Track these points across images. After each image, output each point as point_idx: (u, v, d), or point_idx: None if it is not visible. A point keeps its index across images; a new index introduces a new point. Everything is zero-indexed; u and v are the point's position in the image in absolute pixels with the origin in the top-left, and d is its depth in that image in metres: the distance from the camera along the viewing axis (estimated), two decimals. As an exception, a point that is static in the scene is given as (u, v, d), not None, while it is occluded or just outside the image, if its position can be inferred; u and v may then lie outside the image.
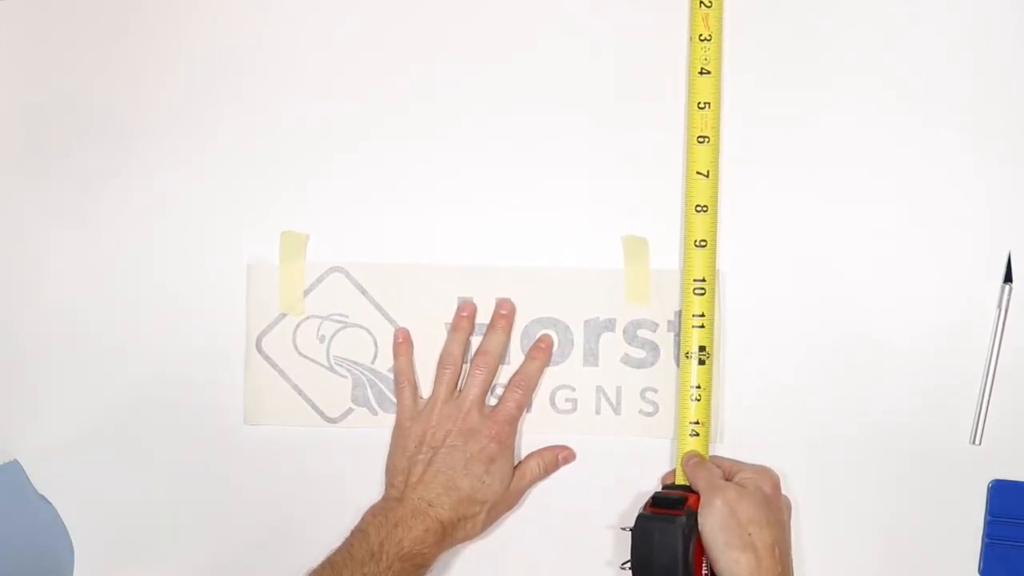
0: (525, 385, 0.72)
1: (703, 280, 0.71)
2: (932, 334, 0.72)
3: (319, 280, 0.75)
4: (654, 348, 0.74)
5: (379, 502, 0.70)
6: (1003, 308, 0.71)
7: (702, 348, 0.71)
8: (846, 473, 0.73)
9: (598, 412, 0.74)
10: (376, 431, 0.74)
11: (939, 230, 0.72)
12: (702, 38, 0.71)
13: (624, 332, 0.74)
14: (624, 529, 0.68)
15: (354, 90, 0.75)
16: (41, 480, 0.75)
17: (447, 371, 0.72)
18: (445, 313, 0.74)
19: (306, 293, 0.75)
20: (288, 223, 0.75)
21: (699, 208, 0.71)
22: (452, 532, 0.69)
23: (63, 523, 0.75)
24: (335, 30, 0.75)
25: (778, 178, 0.73)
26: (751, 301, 0.73)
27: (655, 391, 0.73)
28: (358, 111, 0.75)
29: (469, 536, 0.71)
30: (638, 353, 0.74)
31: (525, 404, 0.73)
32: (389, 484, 0.71)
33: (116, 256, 0.75)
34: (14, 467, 0.75)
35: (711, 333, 0.71)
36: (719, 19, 0.71)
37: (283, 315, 0.75)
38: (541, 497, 0.74)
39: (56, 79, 0.76)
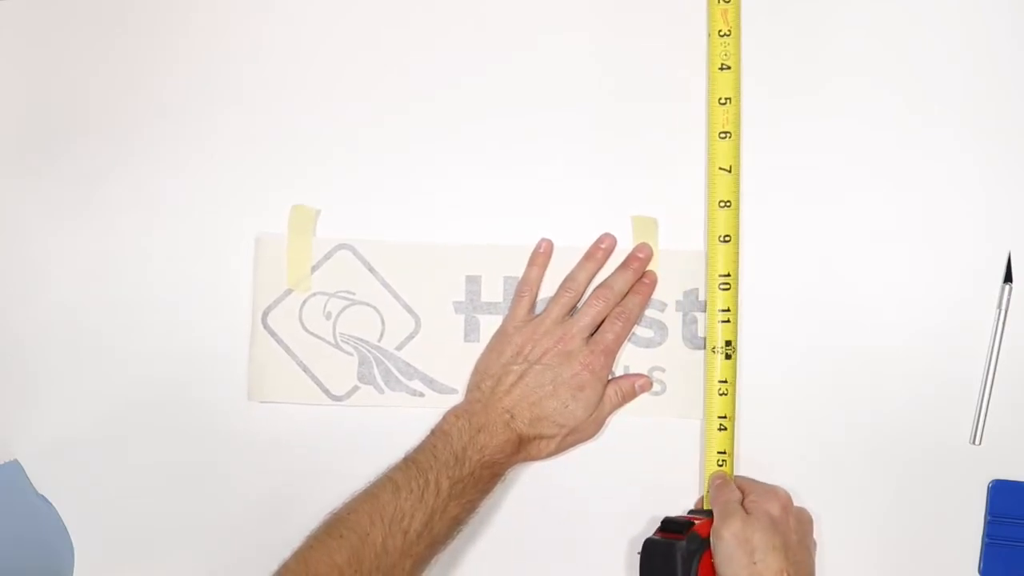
0: (626, 318, 0.72)
1: (728, 275, 0.71)
2: (932, 334, 0.72)
3: (327, 257, 0.75)
4: (662, 328, 0.74)
5: (461, 404, 0.71)
6: (1003, 308, 0.71)
7: (728, 343, 0.71)
8: (846, 473, 0.73)
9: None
10: (382, 410, 0.74)
11: (939, 230, 0.72)
12: (721, 34, 0.71)
13: None
14: (638, 554, 0.68)
15: (368, 70, 0.75)
16: (41, 480, 0.75)
17: (566, 295, 0.72)
18: (453, 292, 0.74)
19: (313, 269, 0.75)
20: (297, 198, 0.75)
21: (722, 204, 0.71)
22: (527, 447, 0.70)
23: (63, 523, 0.75)
24: (348, 10, 0.75)
25: (777, 179, 0.73)
26: (751, 301, 0.73)
27: (663, 371, 0.74)
28: (371, 89, 0.75)
29: (541, 455, 0.71)
30: (646, 333, 0.74)
31: (625, 337, 0.72)
32: (475, 386, 0.72)
33: (120, 244, 0.75)
34: (14, 467, 0.75)
35: (735, 327, 0.72)
36: (737, 14, 0.71)
37: (289, 291, 0.75)
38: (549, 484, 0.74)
39: (58, 71, 0.76)
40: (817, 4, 0.73)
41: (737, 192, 0.71)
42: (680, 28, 0.73)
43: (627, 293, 0.72)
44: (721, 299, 0.71)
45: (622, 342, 0.72)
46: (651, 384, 0.73)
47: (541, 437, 0.70)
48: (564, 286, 0.73)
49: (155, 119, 0.75)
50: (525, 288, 0.73)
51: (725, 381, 0.71)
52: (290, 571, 0.62)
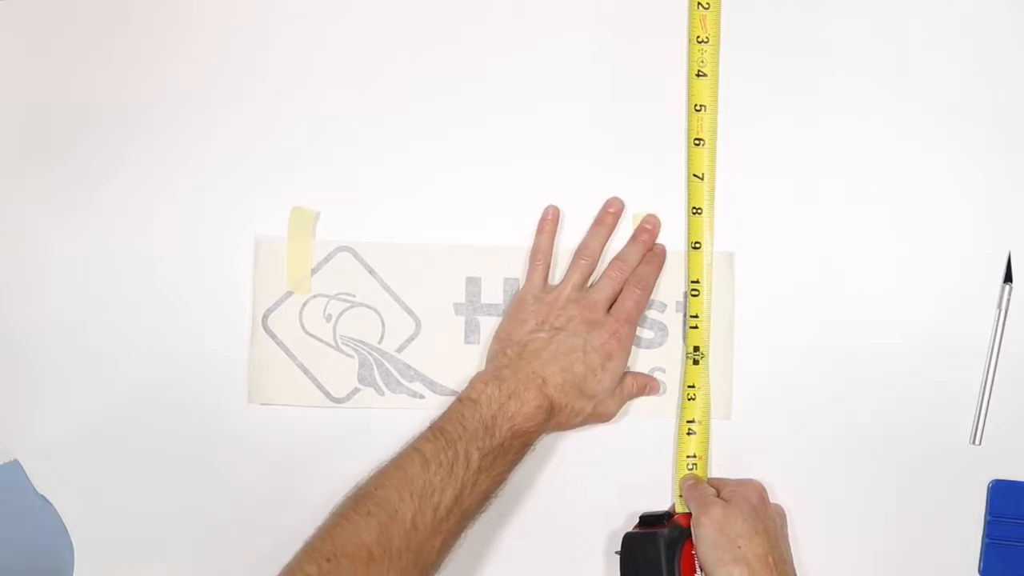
0: (643, 286, 0.71)
1: (696, 281, 0.72)
2: (932, 334, 0.72)
3: (327, 259, 0.75)
4: (663, 329, 0.74)
5: (488, 370, 0.69)
6: (1003, 308, 0.72)
7: (696, 348, 0.72)
8: (846, 473, 0.73)
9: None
10: (382, 412, 0.74)
11: (939, 230, 0.72)
12: (699, 40, 0.72)
13: None
14: (616, 553, 0.69)
15: (365, 73, 0.75)
16: (41, 480, 0.75)
17: (584, 261, 0.72)
18: (453, 293, 0.74)
19: (313, 272, 0.75)
20: (297, 201, 0.75)
21: (695, 211, 0.72)
22: (556, 416, 0.68)
23: (63, 523, 0.75)
24: (344, 18, 0.75)
25: (778, 179, 0.73)
26: (751, 301, 0.73)
27: (663, 371, 0.74)
28: (370, 93, 0.75)
29: (566, 425, 0.70)
30: (647, 334, 0.74)
31: (644, 305, 0.72)
32: (499, 353, 0.70)
33: (120, 248, 0.75)
34: (14, 467, 0.75)
35: (705, 334, 0.72)
36: (717, 22, 0.71)
37: (290, 293, 0.74)
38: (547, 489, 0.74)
39: (58, 72, 0.76)
40: (815, 5, 0.73)
41: (712, 199, 0.72)
42: (681, 28, 0.73)
43: (640, 263, 0.72)
44: (690, 305, 0.72)
45: (642, 310, 0.72)
46: (659, 388, 0.73)
47: (569, 407, 0.68)
48: (580, 254, 0.72)
49: (155, 122, 0.75)
50: (539, 256, 0.72)
51: (693, 386, 0.72)
52: (316, 550, 0.61)
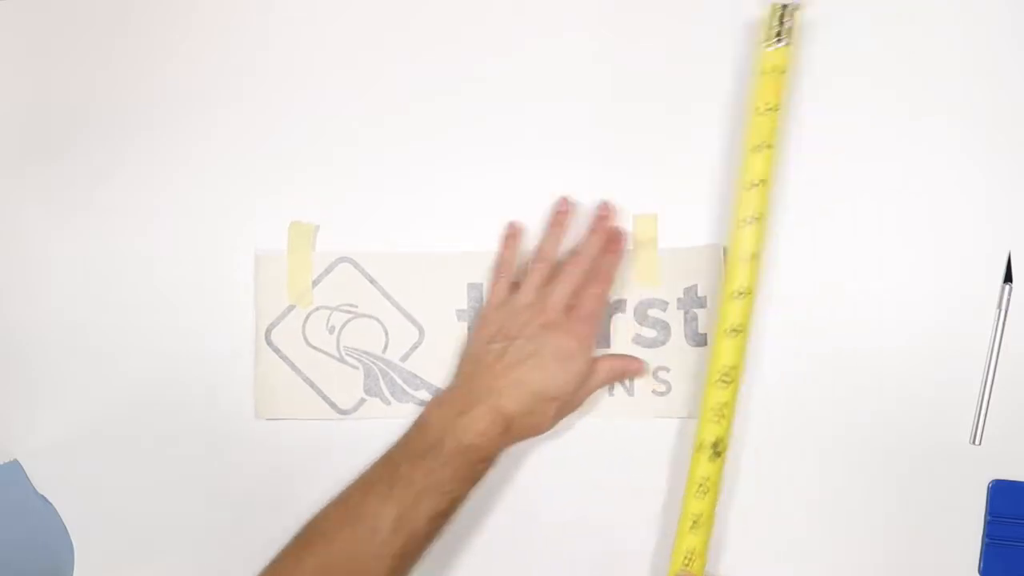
0: (603, 279, 0.70)
1: (735, 368, 0.68)
2: (932, 334, 0.72)
3: (327, 271, 0.74)
4: (665, 327, 0.74)
5: (444, 391, 0.70)
6: (1003, 308, 0.72)
7: (715, 443, 0.67)
8: (846, 473, 0.73)
9: (611, 393, 0.74)
10: (389, 422, 0.74)
11: (939, 230, 0.72)
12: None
13: (635, 312, 0.74)
14: None
15: (362, 81, 0.75)
16: (41, 480, 0.75)
17: (539, 265, 0.71)
18: (455, 300, 0.74)
19: (314, 284, 0.74)
20: (295, 214, 0.74)
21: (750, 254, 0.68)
22: (516, 427, 0.66)
23: (63, 523, 0.75)
24: (343, 20, 0.75)
25: (777, 179, 0.73)
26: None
27: (667, 370, 0.73)
28: (366, 101, 0.75)
29: (535, 431, 0.68)
30: (649, 333, 0.74)
31: (605, 299, 0.70)
32: (458, 372, 0.70)
33: (120, 250, 0.75)
34: (14, 467, 0.75)
35: (729, 425, 0.68)
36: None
37: (292, 307, 0.74)
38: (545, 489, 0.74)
39: (57, 76, 0.76)
40: (817, 3, 0.73)
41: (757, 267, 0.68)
42: (679, 27, 0.73)
43: (599, 256, 0.71)
44: (716, 394, 0.67)
45: (603, 304, 0.71)
46: (643, 368, 0.72)
47: (532, 413, 0.67)
48: (536, 259, 0.71)
49: (155, 122, 0.75)
50: (502, 269, 0.72)
51: (708, 478, 0.67)
52: None
